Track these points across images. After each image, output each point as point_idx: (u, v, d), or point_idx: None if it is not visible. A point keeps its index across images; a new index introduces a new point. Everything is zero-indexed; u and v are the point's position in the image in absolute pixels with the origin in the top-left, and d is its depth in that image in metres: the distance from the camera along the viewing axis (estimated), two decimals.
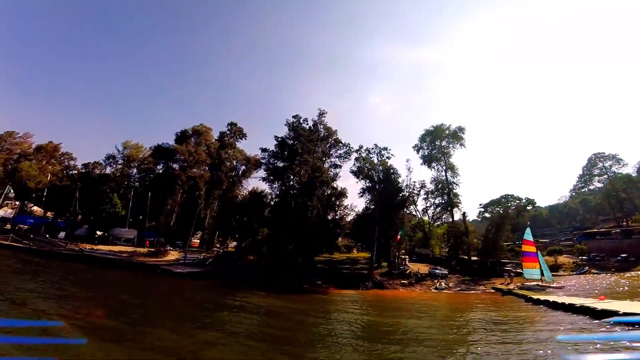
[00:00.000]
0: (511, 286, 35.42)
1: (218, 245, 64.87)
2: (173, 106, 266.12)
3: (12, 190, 58.90)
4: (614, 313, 15.38)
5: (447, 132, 62.55)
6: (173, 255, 47.19)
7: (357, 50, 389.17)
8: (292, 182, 50.11)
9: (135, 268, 36.57)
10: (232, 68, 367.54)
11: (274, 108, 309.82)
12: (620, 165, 78.89)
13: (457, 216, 59.52)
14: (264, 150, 53.41)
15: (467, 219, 62.02)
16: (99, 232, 58.35)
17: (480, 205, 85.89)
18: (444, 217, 65.05)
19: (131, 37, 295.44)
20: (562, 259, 58.12)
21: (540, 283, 34.13)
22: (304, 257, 43.84)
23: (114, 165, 75.60)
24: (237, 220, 54.69)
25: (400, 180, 55.42)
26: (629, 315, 13.95)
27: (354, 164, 55.26)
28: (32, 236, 47.33)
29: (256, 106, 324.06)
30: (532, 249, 36.10)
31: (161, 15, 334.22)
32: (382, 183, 51.80)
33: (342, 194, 51.04)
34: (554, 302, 21.03)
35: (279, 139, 51.96)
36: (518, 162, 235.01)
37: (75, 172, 78.33)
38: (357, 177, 54.83)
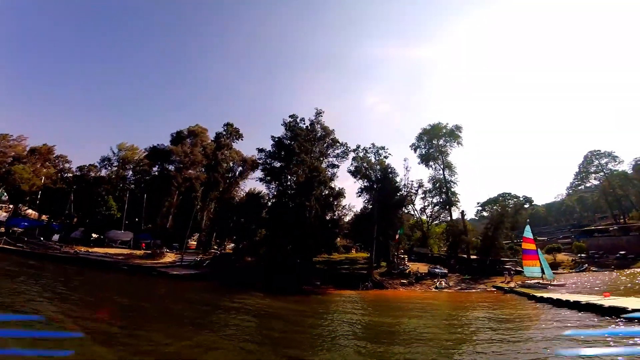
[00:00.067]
0: (512, 284, 35.20)
1: (216, 247, 64.34)
2: (168, 107, 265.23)
3: (5, 193, 58.14)
4: (623, 310, 15.06)
5: (444, 130, 62.51)
6: (170, 257, 46.67)
7: (353, 51, 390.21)
8: (289, 183, 49.69)
9: (131, 270, 36.07)
10: (228, 69, 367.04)
11: (270, 109, 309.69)
12: (616, 163, 79.04)
13: (456, 215, 59.45)
14: (260, 150, 52.95)
15: (465, 217, 61.82)
16: (94, 235, 57.77)
17: (478, 203, 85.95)
18: (442, 216, 64.97)
19: (126, 38, 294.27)
20: (561, 256, 58.01)
21: (541, 281, 33.87)
22: (303, 257, 43.42)
23: (109, 168, 75.19)
24: (234, 221, 54.20)
25: (398, 179, 55.37)
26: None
27: (352, 164, 55.10)
28: (26, 239, 46.73)
29: (252, 107, 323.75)
30: (532, 246, 35.85)
31: (156, 16, 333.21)
32: (380, 182, 51.49)
33: (340, 194, 50.75)
34: (558, 300, 20.70)
35: (276, 139, 51.51)
36: (514, 161, 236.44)
37: (70, 175, 77.66)
38: (355, 177, 54.62)
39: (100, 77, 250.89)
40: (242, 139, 72.60)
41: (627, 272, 41.73)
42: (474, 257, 50.48)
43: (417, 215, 67.89)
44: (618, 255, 53.01)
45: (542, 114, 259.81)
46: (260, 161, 54.67)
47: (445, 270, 42.59)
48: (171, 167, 65.28)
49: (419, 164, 63.87)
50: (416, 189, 62.55)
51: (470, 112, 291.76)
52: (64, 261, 37.14)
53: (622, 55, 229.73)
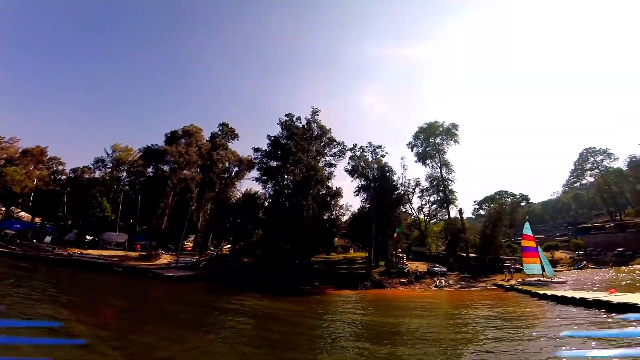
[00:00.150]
0: (512, 282, 34.91)
1: (212, 249, 63.72)
2: (164, 108, 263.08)
3: None
4: (634, 306, 14.66)
5: (440, 129, 62.26)
6: (165, 258, 46.12)
7: (350, 51, 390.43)
8: (286, 182, 49.20)
9: (125, 272, 35.47)
10: (224, 68, 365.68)
11: (267, 109, 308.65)
12: (611, 160, 79.33)
13: (453, 213, 59.19)
14: (256, 150, 52.34)
15: (463, 215, 61.55)
16: (88, 237, 57.18)
17: (475, 202, 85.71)
18: (439, 214, 64.69)
19: (122, 37, 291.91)
20: (559, 254, 57.98)
21: (541, 278, 33.56)
22: (300, 257, 42.93)
23: (103, 169, 74.24)
24: (230, 222, 53.63)
25: (395, 177, 55.02)
26: None
27: (349, 163, 54.61)
28: (18, 241, 46.03)
29: (249, 107, 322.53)
30: (532, 243, 35.51)
31: (153, 15, 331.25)
32: (377, 181, 51.11)
33: (337, 193, 50.33)
34: (563, 297, 20.29)
35: (272, 138, 50.98)
36: (510, 160, 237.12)
37: (64, 177, 76.68)
38: (352, 176, 54.18)
39: (96, 77, 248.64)
40: (237, 139, 72.07)
41: (626, 268, 41.66)
42: (473, 255, 50.22)
43: (415, 214, 67.70)
44: (616, 252, 52.97)
45: (538, 113, 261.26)
46: (256, 161, 54.12)
47: (445, 269, 42.24)
48: (166, 168, 64.60)
49: (416, 162, 63.63)
50: (413, 187, 62.33)
51: (466, 111, 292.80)
52: (56, 263, 36.47)
53: (618, 54, 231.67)
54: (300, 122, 53.14)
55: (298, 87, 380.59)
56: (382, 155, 55.00)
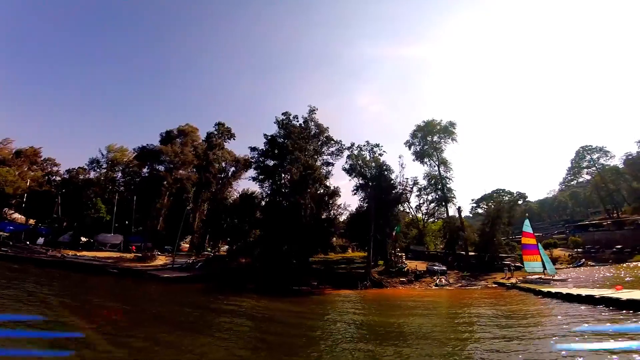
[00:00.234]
0: (512, 280, 34.52)
1: (209, 249, 63.09)
2: (159, 108, 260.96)
3: None
4: None
5: (438, 127, 61.97)
6: (161, 260, 45.52)
7: (346, 50, 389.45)
8: (283, 181, 48.66)
9: (120, 274, 34.85)
10: (219, 68, 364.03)
11: (263, 109, 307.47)
12: (608, 157, 79.42)
13: (452, 211, 58.93)
14: (253, 149, 51.63)
15: (461, 213, 61.27)
16: (83, 239, 56.43)
17: (472, 200, 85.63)
18: (437, 213, 64.50)
19: (116, 38, 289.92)
20: (557, 252, 57.72)
21: (543, 276, 33.18)
22: (299, 257, 42.39)
23: (98, 170, 73.32)
24: (227, 222, 52.98)
25: (393, 176, 54.57)
26: None
27: (346, 162, 54.05)
28: (11, 243, 45.33)
29: (245, 107, 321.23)
30: (532, 241, 35.16)
31: (147, 15, 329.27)
32: (375, 180, 50.62)
33: (335, 192, 49.79)
34: (569, 294, 19.89)
35: (269, 137, 50.37)
36: (506, 159, 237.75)
37: (59, 178, 75.77)
38: (350, 175, 53.55)
39: (90, 77, 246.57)
40: (234, 139, 71.68)
41: (626, 265, 41.45)
42: (472, 253, 49.89)
43: (413, 213, 67.45)
44: (614, 249, 52.89)
45: (534, 111, 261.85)
46: (253, 160, 53.51)
47: (445, 268, 41.83)
48: (161, 168, 63.99)
49: (413, 160, 63.35)
50: (411, 186, 62.01)
51: (463, 110, 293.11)
52: (49, 265, 35.95)
53: (614, 52, 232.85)
54: (297, 121, 52.60)
55: (294, 87, 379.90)
56: (380, 154, 54.56)
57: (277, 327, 15.89)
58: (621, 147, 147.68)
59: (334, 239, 55.59)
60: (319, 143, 54.08)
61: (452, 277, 39.15)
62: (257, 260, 42.65)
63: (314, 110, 53.77)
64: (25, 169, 73.11)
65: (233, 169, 71.37)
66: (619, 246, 53.08)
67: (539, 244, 36.03)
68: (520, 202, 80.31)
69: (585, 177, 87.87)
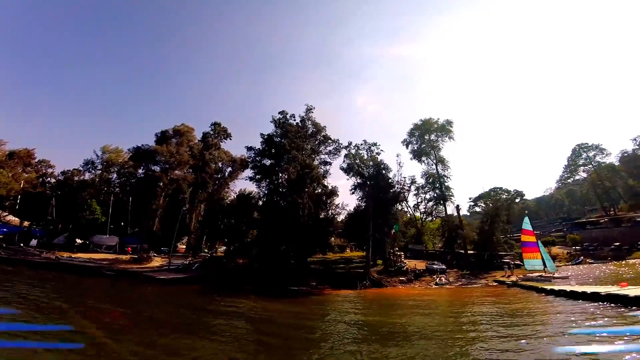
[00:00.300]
0: (513, 278, 34.27)
1: (206, 250, 62.47)
2: (154, 108, 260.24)
3: None
4: None
5: (435, 125, 61.87)
6: (157, 261, 44.96)
7: (343, 50, 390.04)
8: (280, 180, 48.12)
9: (115, 275, 34.31)
10: (215, 68, 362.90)
11: (260, 109, 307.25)
12: (604, 155, 79.92)
13: (450, 210, 58.72)
14: (250, 148, 51.00)
15: (460, 212, 61.09)
16: (78, 240, 55.79)
17: (470, 199, 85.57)
18: (435, 212, 64.24)
19: (112, 38, 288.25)
20: (555, 250, 57.69)
21: (543, 274, 32.91)
22: (297, 257, 41.91)
23: (93, 171, 72.41)
24: (224, 223, 52.40)
25: (391, 175, 54.23)
26: None
27: (344, 161, 53.66)
28: (4, 245, 44.69)
29: (242, 107, 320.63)
30: (532, 238, 34.95)
31: (143, 16, 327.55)
32: (373, 179, 50.22)
33: (333, 192, 49.35)
34: (572, 292, 19.57)
35: (266, 136, 49.82)
36: (502, 157, 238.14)
37: (54, 180, 74.92)
38: (348, 174, 53.15)
39: (86, 78, 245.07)
40: (230, 139, 70.98)
41: (625, 263, 41.42)
42: (471, 252, 49.69)
43: (411, 212, 67.18)
44: (613, 246, 52.97)
45: (530, 110, 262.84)
46: (249, 159, 52.92)
47: (444, 266, 41.55)
48: (157, 168, 63.22)
49: (411, 159, 63.28)
50: (409, 185, 61.72)
51: (461, 110, 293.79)
52: (44, 267, 35.36)
53: (610, 50, 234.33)
54: (294, 120, 52.03)
55: (292, 87, 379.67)
56: (378, 153, 54.19)
57: (275, 328, 15.47)
58: (617, 145, 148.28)
59: (333, 238, 55.10)
60: (317, 142, 53.60)
61: (451, 276, 38.86)
62: (254, 261, 42.12)
63: (311, 109, 53.32)
64: (19, 170, 72.36)
65: (230, 169, 70.71)
66: (617, 243, 53.14)
67: (539, 241, 35.81)
68: (517, 200, 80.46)
69: (582, 174, 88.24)
